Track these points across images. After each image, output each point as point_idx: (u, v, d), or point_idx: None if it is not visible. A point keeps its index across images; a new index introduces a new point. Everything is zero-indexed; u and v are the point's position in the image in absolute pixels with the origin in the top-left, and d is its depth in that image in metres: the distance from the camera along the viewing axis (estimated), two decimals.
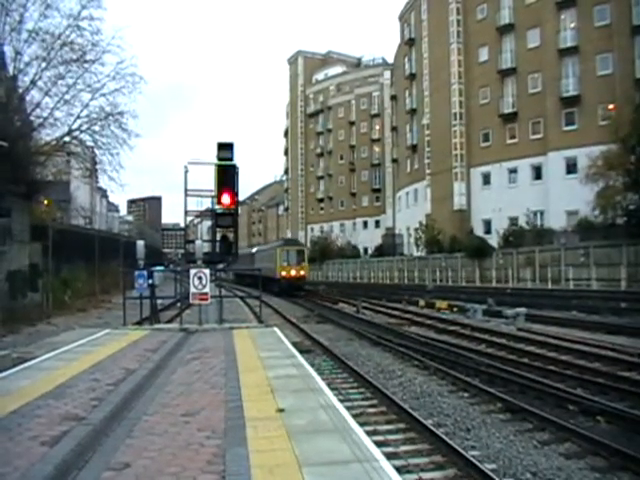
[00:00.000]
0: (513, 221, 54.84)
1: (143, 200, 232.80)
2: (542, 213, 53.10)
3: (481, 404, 12.28)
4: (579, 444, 9.49)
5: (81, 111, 31.75)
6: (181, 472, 5.65)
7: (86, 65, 31.18)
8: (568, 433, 9.92)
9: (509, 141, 58.04)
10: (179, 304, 23.82)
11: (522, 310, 25.29)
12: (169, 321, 23.80)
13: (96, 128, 32.24)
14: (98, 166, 34.98)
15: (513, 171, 57.88)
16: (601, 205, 39.97)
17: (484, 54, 60.85)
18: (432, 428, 9.97)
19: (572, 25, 52.38)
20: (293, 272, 49.00)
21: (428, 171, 67.48)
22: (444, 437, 9.48)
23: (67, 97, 31.04)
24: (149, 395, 8.94)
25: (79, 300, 31.24)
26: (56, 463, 5.83)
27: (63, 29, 30.03)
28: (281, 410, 7.92)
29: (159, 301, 23.47)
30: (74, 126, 31.77)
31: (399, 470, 6.98)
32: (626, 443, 9.17)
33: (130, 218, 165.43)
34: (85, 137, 32.73)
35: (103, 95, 32.03)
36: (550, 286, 41.49)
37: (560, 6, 52.64)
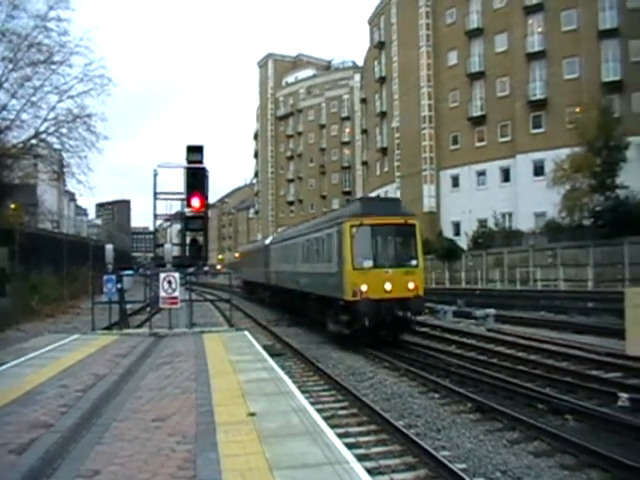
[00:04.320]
0: (482, 223, 55.34)
1: (112, 204, 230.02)
2: (511, 215, 53.66)
3: (452, 404, 12.38)
4: (548, 442, 9.61)
5: (48, 113, 31.49)
6: (152, 478, 5.63)
7: (53, 67, 30.95)
8: (537, 432, 10.05)
9: (478, 144, 58.53)
10: (149, 308, 23.65)
11: (491, 311, 25.50)
12: (139, 326, 23.58)
13: (64, 131, 32.00)
14: (66, 169, 34.66)
15: (482, 173, 58.36)
16: (568, 207, 40.50)
17: (453, 58, 61.29)
18: (403, 429, 10.02)
19: (540, 30, 53.00)
20: (390, 285, 19.57)
21: (398, 174, 67.74)
22: (415, 438, 9.54)
23: (34, 99, 30.80)
24: (119, 401, 8.86)
25: (47, 306, 30.78)
26: (24, 472, 5.77)
27: (30, 30, 29.79)
28: (252, 414, 7.90)
29: (128, 306, 23.30)
30: (41, 129, 31.52)
31: (370, 472, 7.02)
32: (594, 441, 9.31)
33: (99, 222, 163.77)
34: (52, 140, 32.47)
35: (71, 97, 31.81)
36: (519, 287, 41.92)
37: (528, 11, 53.26)
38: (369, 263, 19.61)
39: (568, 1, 50.15)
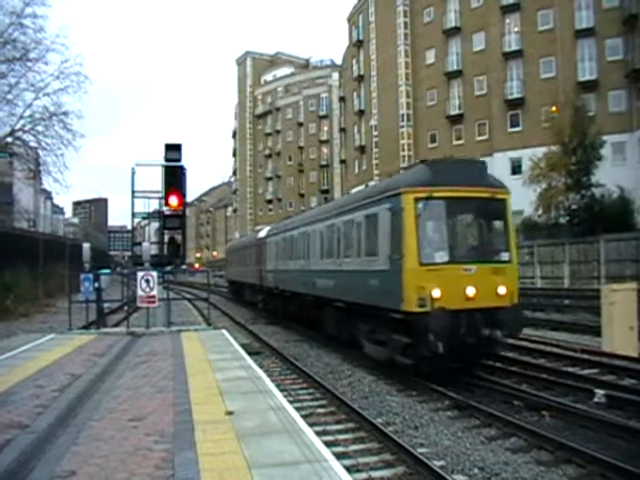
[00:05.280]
0: None
1: (89, 202, 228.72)
2: None
3: (429, 402, 12.43)
4: (525, 439, 9.70)
5: (24, 111, 31.19)
6: (129, 478, 5.59)
7: (29, 64, 30.67)
8: (514, 428, 10.13)
9: (456, 142, 58.78)
10: (126, 307, 23.50)
11: None
12: (116, 325, 23.44)
13: (40, 128, 31.71)
14: (42, 167, 34.32)
15: None
16: (544, 205, 40.78)
17: (431, 56, 61.52)
18: (381, 427, 10.05)
19: (516, 29, 53.39)
20: (473, 290, 13.25)
21: (376, 172, 67.84)
22: (393, 435, 9.57)
23: (9, 97, 30.48)
24: (95, 400, 8.79)
25: (22, 305, 30.48)
26: None
27: (5, 27, 29.45)
28: (230, 413, 7.89)
29: (106, 305, 23.16)
30: (17, 126, 31.21)
31: (349, 469, 7.04)
32: (570, 437, 9.41)
33: (76, 220, 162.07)
34: (28, 138, 32.17)
35: (47, 95, 31.53)
36: None
37: (505, 10, 53.62)
38: (443, 256, 13.63)
39: (544, 1, 50.58)
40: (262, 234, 34.05)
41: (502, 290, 13.46)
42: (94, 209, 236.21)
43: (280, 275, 27.28)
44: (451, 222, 14.31)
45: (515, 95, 52.89)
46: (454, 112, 58.76)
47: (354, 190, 56.43)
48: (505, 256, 14.28)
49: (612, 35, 46.99)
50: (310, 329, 22.89)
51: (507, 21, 54.07)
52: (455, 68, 58.62)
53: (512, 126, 53.30)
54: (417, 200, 13.35)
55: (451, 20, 59.09)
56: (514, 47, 53.11)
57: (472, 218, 15.15)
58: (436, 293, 12.83)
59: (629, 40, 46.16)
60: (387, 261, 14.09)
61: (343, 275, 17.81)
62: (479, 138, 56.63)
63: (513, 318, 13.53)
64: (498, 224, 14.94)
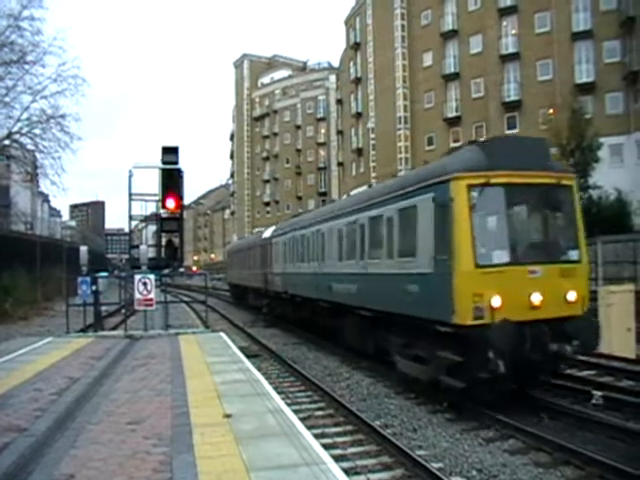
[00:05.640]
0: None
1: (86, 205, 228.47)
2: None
3: (427, 404, 12.43)
4: (523, 440, 9.71)
5: (21, 114, 31.20)
6: None
7: (27, 66, 30.69)
8: (512, 430, 10.14)
9: (453, 145, 58.58)
10: (124, 310, 23.47)
11: None
12: (114, 328, 23.41)
13: (37, 131, 31.73)
14: (39, 170, 34.30)
15: None
16: None
17: (428, 59, 61.52)
18: (379, 429, 10.05)
19: (513, 32, 53.41)
20: (539, 297, 11.09)
21: (374, 174, 67.80)
22: (391, 438, 9.57)
23: (7, 99, 30.49)
24: (94, 404, 8.78)
25: (21, 308, 30.46)
26: None
27: (3, 29, 29.46)
28: (228, 415, 7.88)
29: (103, 308, 23.14)
30: (14, 129, 31.19)
31: (347, 472, 7.04)
32: (569, 438, 9.42)
33: (73, 223, 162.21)
34: (26, 140, 32.17)
35: (44, 97, 31.54)
36: None
37: (502, 13, 53.65)
38: (503, 256, 11.39)
39: (541, 3, 50.59)
40: (267, 234, 31.80)
41: (572, 296, 11.35)
42: (91, 212, 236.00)
43: (289, 278, 25.24)
44: (511, 214, 11.99)
45: (512, 97, 52.92)
46: (451, 114, 58.75)
47: (354, 192, 56.12)
48: (574, 254, 11.99)
49: (609, 37, 46.99)
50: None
51: (504, 24, 54.09)
52: (452, 71, 58.62)
53: (509, 128, 53.28)
54: (471, 187, 11.16)
55: (448, 23, 59.10)
56: (511, 50, 53.12)
57: (535, 208, 12.56)
58: (496, 302, 10.68)
59: (626, 42, 46.20)
60: (430, 263, 11.79)
61: (369, 279, 15.51)
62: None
63: (586, 329, 11.31)
64: (565, 215, 12.50)
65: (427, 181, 12.33)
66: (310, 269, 21.63)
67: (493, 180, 11.22)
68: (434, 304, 11.50)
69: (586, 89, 47.59)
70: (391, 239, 14.09)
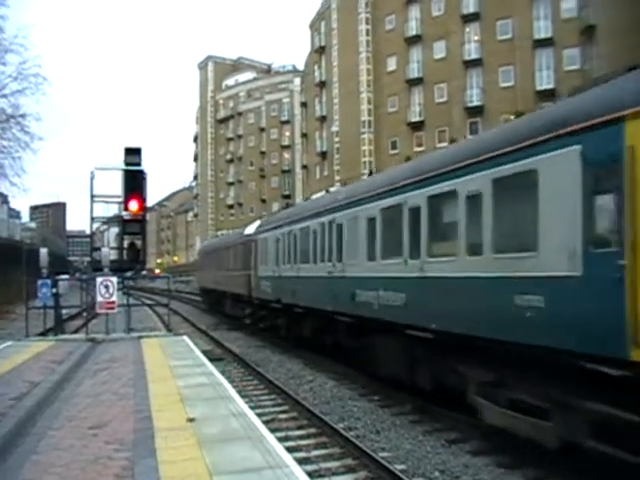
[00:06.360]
0: None
1: (47, 206, 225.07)
2: None
3: (391, 406, 12.50)
4: (485, 441, 9.80)
5: None
6: None
7: None
8: (475, 431, 10.24)
9: (416, 149, 59.10)
10: (85, 313, 23.19)
11: None
12: (75, 331, 23.11)
13: None
14: None
15: None
16: None
17: (392, 64, 61.92)
18: (343, 432, 10.09)
19: (476, 38, 54.12)
20: None
21: (337, 178, 67.97)
22: (355, 440, 9.62)
23: None
24: (54, 409, 8.67)
25: None
26: None
27: None
28: (191, 419, 7.85)
29: (64, 311, 22.81)
30: None
31: (311, 475, 7.07)
32: (530, 440, 9.54)
33: (33, 225, 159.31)
34: None
35: (4, 96, 31.06)
36: None
37: (465, 19, 54.32)
38: None
39: (504, 10, 51.32)
40: (250, 230, 27.81)
41: None
42: (52, 214, 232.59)
43: (284, 283, 20.78)
44: None
45: (475, 103, 53.60)
46: (415, 119, 59.19)
47: (315, 196, 55.85)
48: None
49: (570, 45, 47.83)
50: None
51: (467, 30, 54.77)
52: (416, 75, 59.07)
53: (472, 133, 53.80)
54: None
55: (412, 28, 59.58)
56: (474, 55, 53.81)
57: None
58: None
59: (587, 50, 47.03)
60: (573, 260, 7.56)
61: (429, 286, 11.15)
62: (439, 145, 57.07)
63: None
64: None
65: (566, 127, 7.84)
66: (319, 272, 17.14)
67: None
68: (582, 328, 7.36)
69: (547, 96, 48.28)
70: (476, 226, 9.65)
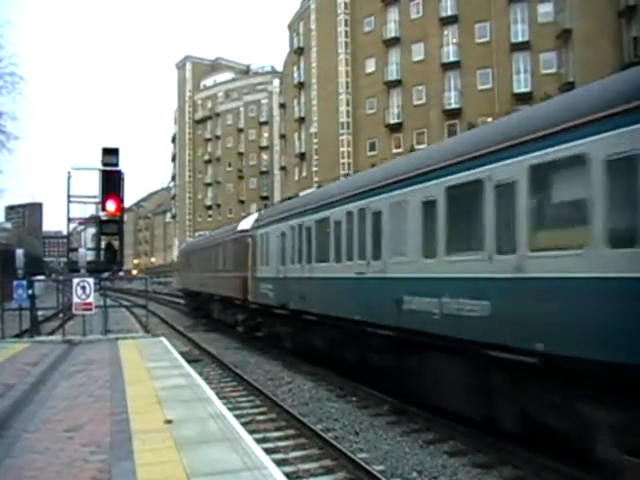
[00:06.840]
0: None
1: (23, 206, 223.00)
2: None
3: (369, 407, 12.52)
4: (462, 442, 9.86)
5: None
6: None
7: None
8: (451, 432, 10.29)
9: (395, 150, 59.30)
10: (62, 315, 22.98)
11: None
12: (51, 333, 22.88)
13: None
14: None
15: None
16: None
17: (371, 65, 62.10)
18: (321, 433, 10.09)
19: (454, 41, 54.45)
20: None
21: (316, 179, 67.99)
22: (333, 441, 9.62)
23: None
24: (30, 411, 8.59)
25: None
26: None
27: None
28: (169, 421, 7.81)
29: (40, 312, 22.59)
30: None
31: (289, 476, 7.08)
32: (507, 439, 9.60)
33: (8, 225, 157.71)
34: None
35: None
36: None
37: (443, 22, 54.64)
38: None
39: (481, 14, 51.70)
40: (246, 224, 24.83)
41: None
42: (28, 214, 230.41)
43: (290, 286, 17.90)
44: None
45: (453, 105, 53.91)
46: (393, 121, 59.41)
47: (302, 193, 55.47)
48: None
49: (546, 49, 48.39)
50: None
51: (445, 32, 55.09)
52: (395, 77, 59.30)
53: (450, 135, 54.07)
54: None
55: (391, 30, 59.81)
56: (452, 58, 54.13)
57: None
58: None
59: (562, 54, 47.58)
60: None
61: (532, 289, 8.01)
62: (417, 147, 57.36)
63: None
64: None
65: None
66: (343, 272, 14.17)
67: None
68: None
69: (524, 99, 48.71)
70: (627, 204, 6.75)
